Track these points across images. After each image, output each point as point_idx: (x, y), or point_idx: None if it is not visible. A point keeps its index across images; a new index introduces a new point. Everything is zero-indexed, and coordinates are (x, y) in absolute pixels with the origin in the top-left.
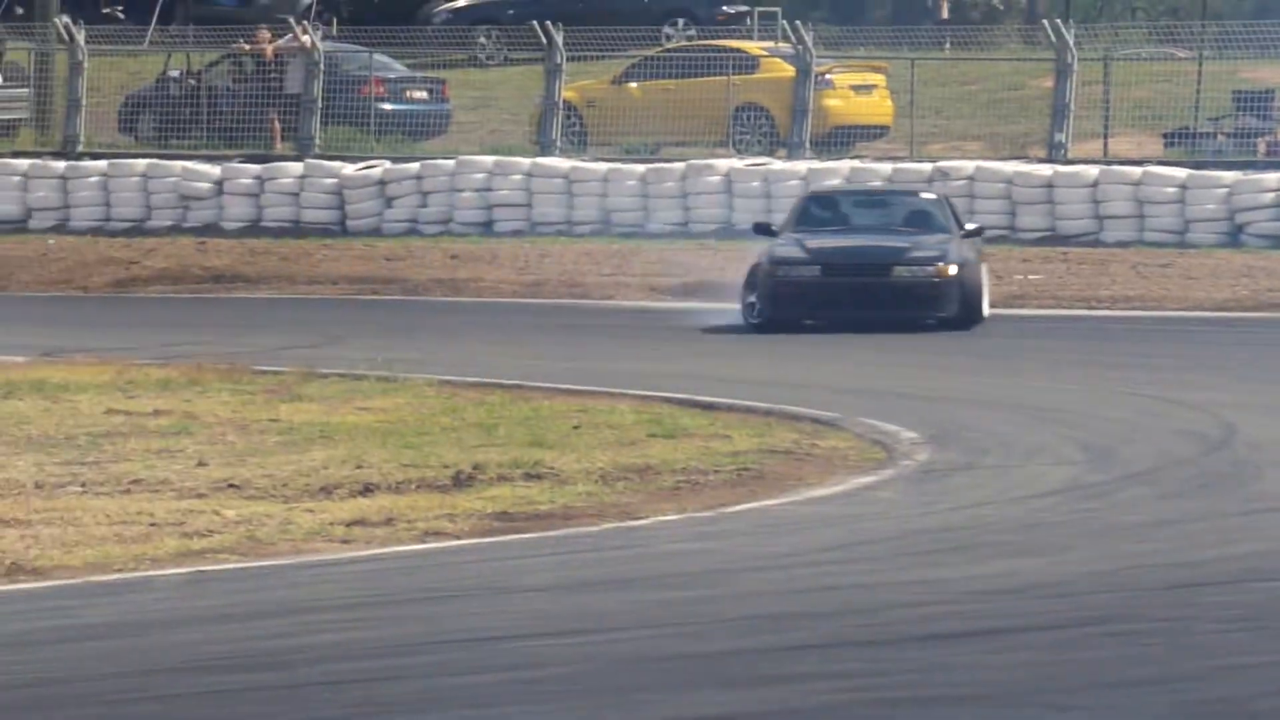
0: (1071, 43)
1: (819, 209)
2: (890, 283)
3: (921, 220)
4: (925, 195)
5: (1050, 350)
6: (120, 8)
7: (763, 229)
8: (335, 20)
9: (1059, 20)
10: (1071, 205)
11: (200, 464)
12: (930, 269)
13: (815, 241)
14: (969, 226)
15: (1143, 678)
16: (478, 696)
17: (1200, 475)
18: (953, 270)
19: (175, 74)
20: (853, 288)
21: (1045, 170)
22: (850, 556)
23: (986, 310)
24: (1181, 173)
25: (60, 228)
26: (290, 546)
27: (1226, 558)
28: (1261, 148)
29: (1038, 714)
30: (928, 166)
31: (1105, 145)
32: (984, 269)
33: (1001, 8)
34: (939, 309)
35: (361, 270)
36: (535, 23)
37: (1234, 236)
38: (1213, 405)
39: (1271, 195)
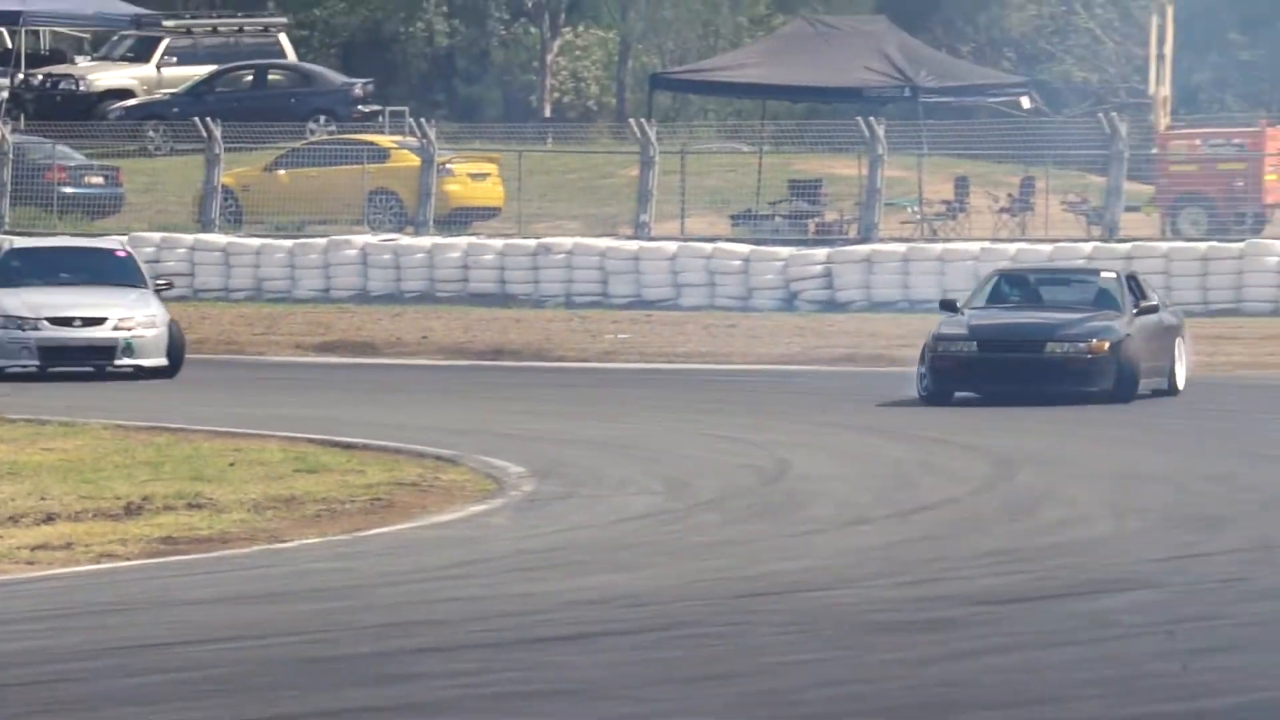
0: (654, 139)
1: (1006, 286)
2: (1043, 359)
3: (1097, 298)
4: (1105, 274)
5: (637, 398)
6: None
7: (948, 305)
8: (23, 115)
9: (643, 120)
10: (654, 275)
11: None
12: (1082, 345)
13: (980, 319)
14: (1144, 303)
15: (710, 674)
16: (145, 695)
17: (759, 503)
18: (1106, 346)
19: None
20: (1007, 363)
21: (632, 245)
22: (468, 573)
23: (1183, 382)
24: (745, 248)
25: None
26: None
27: (781, 572)
28: (811, 228)
29: (622, 705)
30: (533, 243)
31: (682, 225)
32: (1176, 342)
33: (595, 109)
34: (1091, 383)
35: None
36: (197, 119)
37: (789, 302)
38: (770, 444)
39: (819, 267)
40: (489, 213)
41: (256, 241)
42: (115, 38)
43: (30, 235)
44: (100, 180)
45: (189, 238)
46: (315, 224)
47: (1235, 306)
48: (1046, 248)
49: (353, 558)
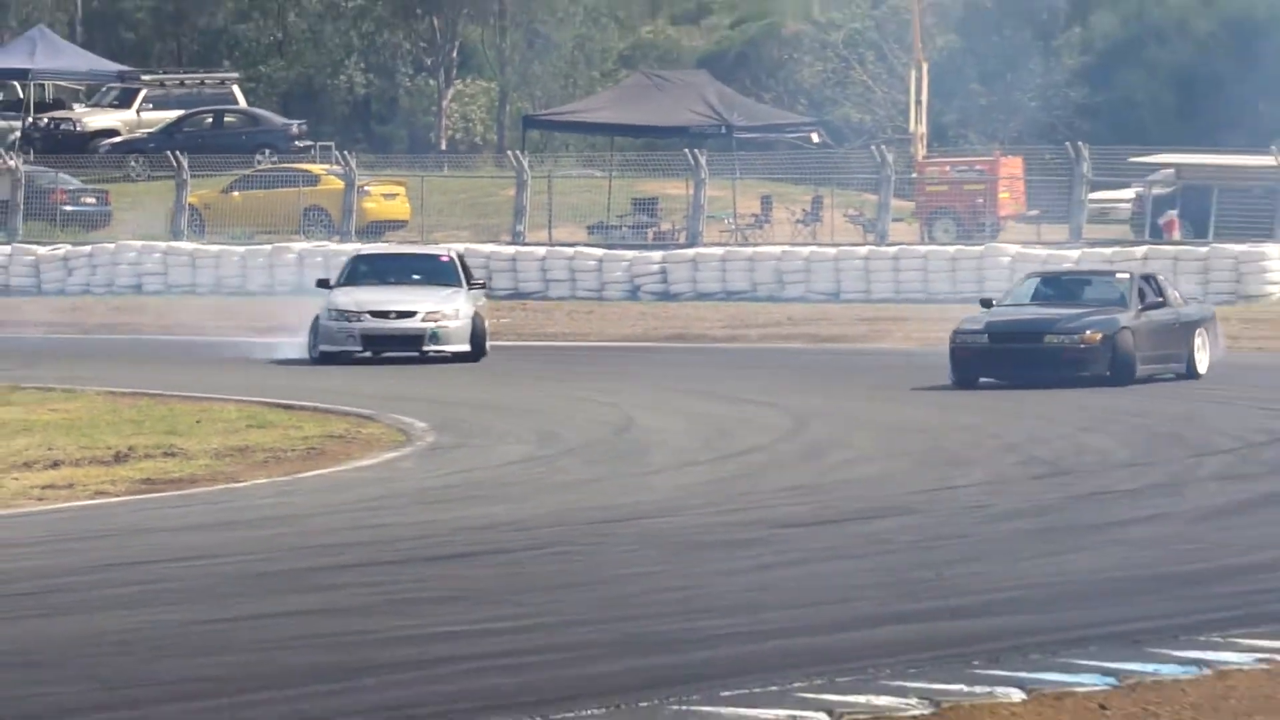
0: (526, 166)
1: (1034, 284)
2: (1042, 348)
3: (1110, 295)
4: (1119, 275)
5: (514, 369)
6: None
7: (985, 303)
8: (32, 150)
9: (518, 152)
10: (528, 273)
11: None
12: (1076, 337)
13: (997, 315)
14: (1152, 299)
15: (571, 583)
16: (126, 602)
17: (610, 450)
18: (1099, 337)
19: None
20: (1013, 353)
21: (510, 249)
22: (382, 505)
23: (1204, 367)
24: (599, 252)
25: None
26: (4, 504)
27: (627, 503)
28: (650, 235)
29: (502, 608)
30: (437, 248)
31: (550, 233)
32: (1197, 334)
33: (480, 143)
34: (1085, 370)
35: (53, 318)
36: (169, 152)
37: (633, 294)
38: (620, 405)
39: (656, 266)
40: (398, 224)
41: (216, 248)
42: (104, 89)
43: (39, 244)
44: (93, 200)
45: (163, 245)
46: (262, 234)
47: (976, 295)
48: (832, 250)
49: (292, 494)
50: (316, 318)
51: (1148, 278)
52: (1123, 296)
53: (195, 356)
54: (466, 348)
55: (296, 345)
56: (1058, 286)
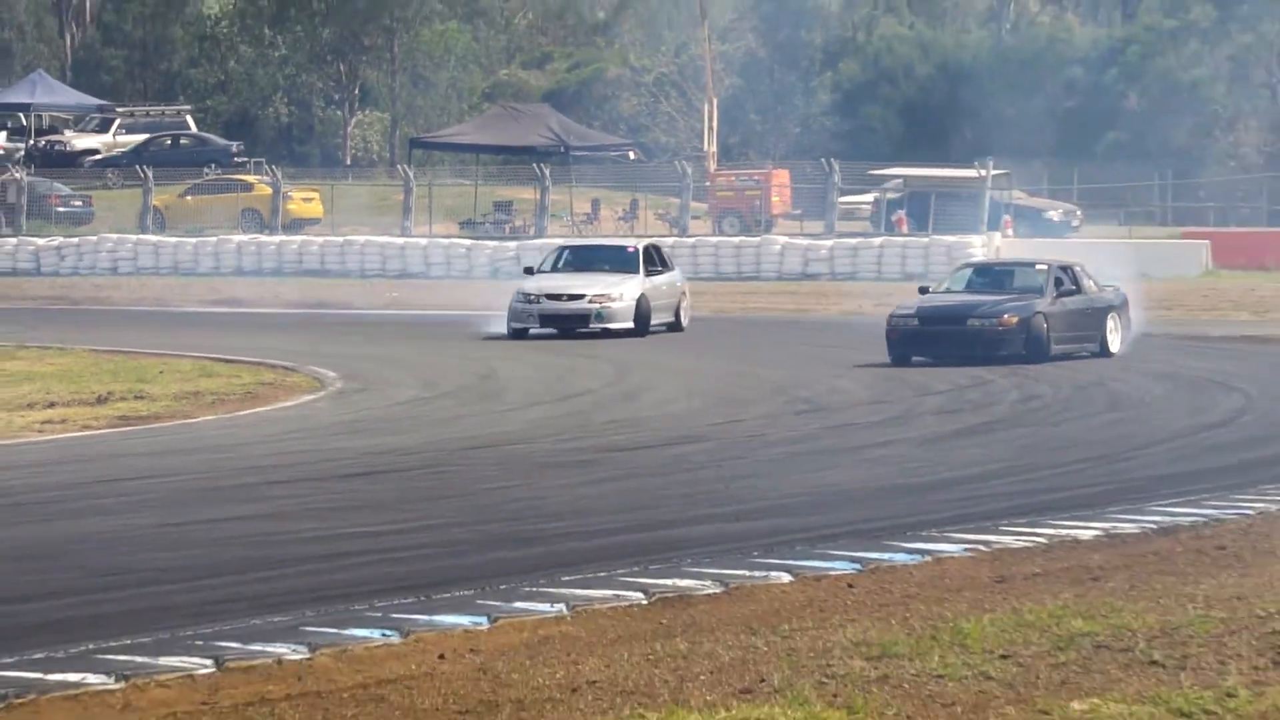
0: (412, 177)
1: (967, 274)
2: (965, 330)
3: (1030, 284)
4: (1038, 267)
5: (401, 332)
6: None
7: (923, 290)
8: (32, 165)
9: (405, 165)
10: (414, 258)
11: None
12: (994, 320)
13: (928, 300)
14: (1066, 287)
15: (446, 494)
16: (102, 510)
17: (477, 393)
18: (1015, 321)
19: None
20: (940, 334)
21: (400, 240)
22: (303, 436)
23: (1116, 347)
24: (468, 242)
25: None
26: (13, 434)
27: (490, 433)
28: (507, 230)
29: (395, 512)
30: (340, 239)
31: (430, 227)
32: (1110, 318)
33: (377, 159)
34: (1003, 349)
35: (49, 293)
36: (138, 166)
37: (494, 274)
38: (483, 359)
39: (511, 253)
40: (314, 221)
41: (174, 239)
42: (88, 118)
43: (39, 236)
44: (79, 203)
45: (134, 237)
46: (210, 229)
47: (755, 275)
48: (645, 240)
49: (233, 428)
50: (511, 299)
51: (1065, 268)
52: (1041, 285)
53: (164, 322)
54: (630, 325)
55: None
56: (987, 275)
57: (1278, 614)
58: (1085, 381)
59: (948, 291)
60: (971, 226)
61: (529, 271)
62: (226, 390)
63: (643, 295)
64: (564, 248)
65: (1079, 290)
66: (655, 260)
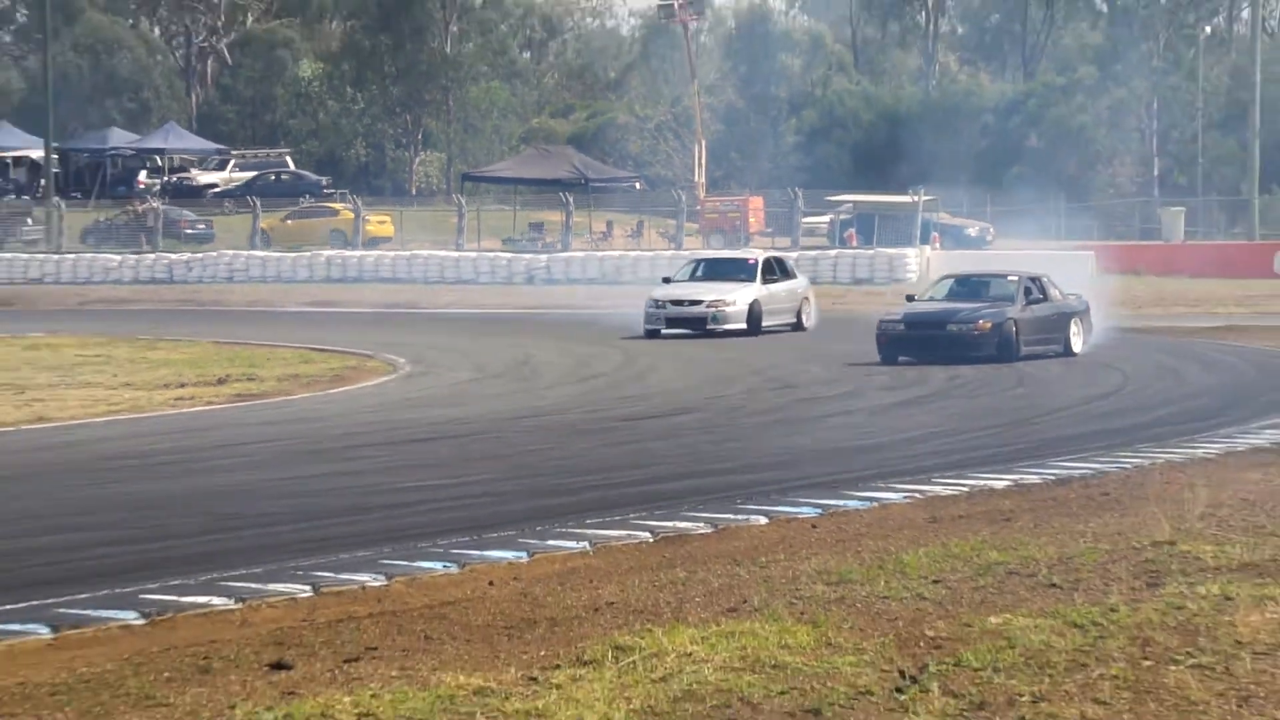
0: (464, 204)
1: (948, 284)
2: (945, 334)
3: (1002, 293)
4: (1010, 278)
5: (458, 327)
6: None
7: (909, 298)
8: (167, 196)
9: (460, 195)
10: (466, 268)
11: (114, 376)
12: (970, 325)
13: (914, 307)
14: (1034, 296)
15: (495, 455)
16: (226, 467)
17: (519, 374)
18: (989, 326)
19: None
20: (923, 338)
21: (455, 254)
22: (379, 409)
23: (1079, 348)
24: (509, 255)
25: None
26: (153, 408)
27: (532, 406)
28: (539, 245)
29: (453, 470)
30: (408, 253)
31: (479, 243)
32: (1073, 323)
33: (435, 190)
34: (978, 351)
35: (180, 298)
36: (248, 197)
37: (530, 280)
38: (522, 347)
39: (543, 263)
40: (387, 239)
41: (277, 254)
42: (209, 159)
43: (174, 253)
44: (203, 226)
45: (245, 253)
46: (305, 246)
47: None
48: (650, 253)
49: (325, 403)
50: (645, 304)
51: (1034, 279)
52: (1013, 294)
53: (273, 319)
54: (743, 326)
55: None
56: (965, 285)
57: (1149, 546)
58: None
59: (930, 300)
60: (907, 241)
61: (666, 281)
62: (319, 373)
63: (755, 300)
64: (698, 260)
65: (1046, 298)
66: (776, 270)
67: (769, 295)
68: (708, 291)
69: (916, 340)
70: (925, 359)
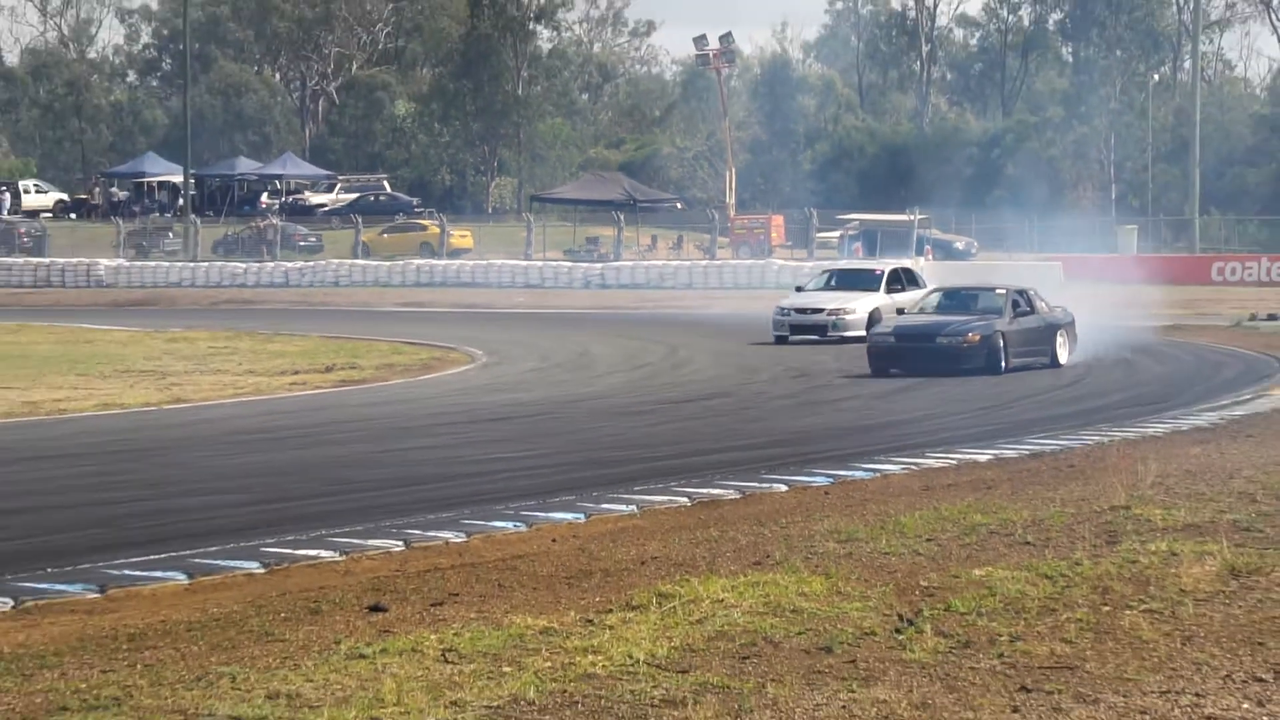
0: (532, 221)
1: (938, 297)
2: (934, 346)
3: (990, 306)
4: (998, 291)
5: (531, 324)
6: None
7: (900, 310)
8: (283, 214)
9: (529, 213)
10: (533, 275)
11: (239, 364)
12: (959, 338)
13: (904, 320)
14: (1021, 309)
15: (554, 433)
16: (335, 441)
17: (576, 365)
18: (978, 338)
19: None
20: (913, 350)
21: (524, 263)
22: (462, 393)
23: (1064, 359)
24: (570, 264)
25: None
26: (272, 391)
27: (586, 392)
28: (595, 256)
29: (518, 445)
30: (485, 262)
31: (544, 253)
32: (1059, 335)
33: (508, 209)
34: (967, 363)
35: (295, 299)
36: (352, 214)
37: (587, 285)
38: (580, 341)
39: (599, 271)
40: (467, 250)
41: (375, 263)
42: (319, 183)
43: (290, 264)
44: (314, 239)
45: (349, 262)
46: (398, 256)
47: (761, 285)
48: (688, 262)
49: (415, 388)
50: (773, 312)
51: (1021, 292)
52: (1001, 307)
53: (369, 316)
54: (862, 333)
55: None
56: (954, 299)
57: (1108, 510)
58: None
59: (920, 312)
60: (904, 253)
61: (798, 290)
62: (410, 363)
63: (876, 309)
64: (831, 270)
65: (1033, 311)
66: (902, 280)
67: (890, 304)
68: (830, 300)
69: (905, 353)
70: (915, 371)
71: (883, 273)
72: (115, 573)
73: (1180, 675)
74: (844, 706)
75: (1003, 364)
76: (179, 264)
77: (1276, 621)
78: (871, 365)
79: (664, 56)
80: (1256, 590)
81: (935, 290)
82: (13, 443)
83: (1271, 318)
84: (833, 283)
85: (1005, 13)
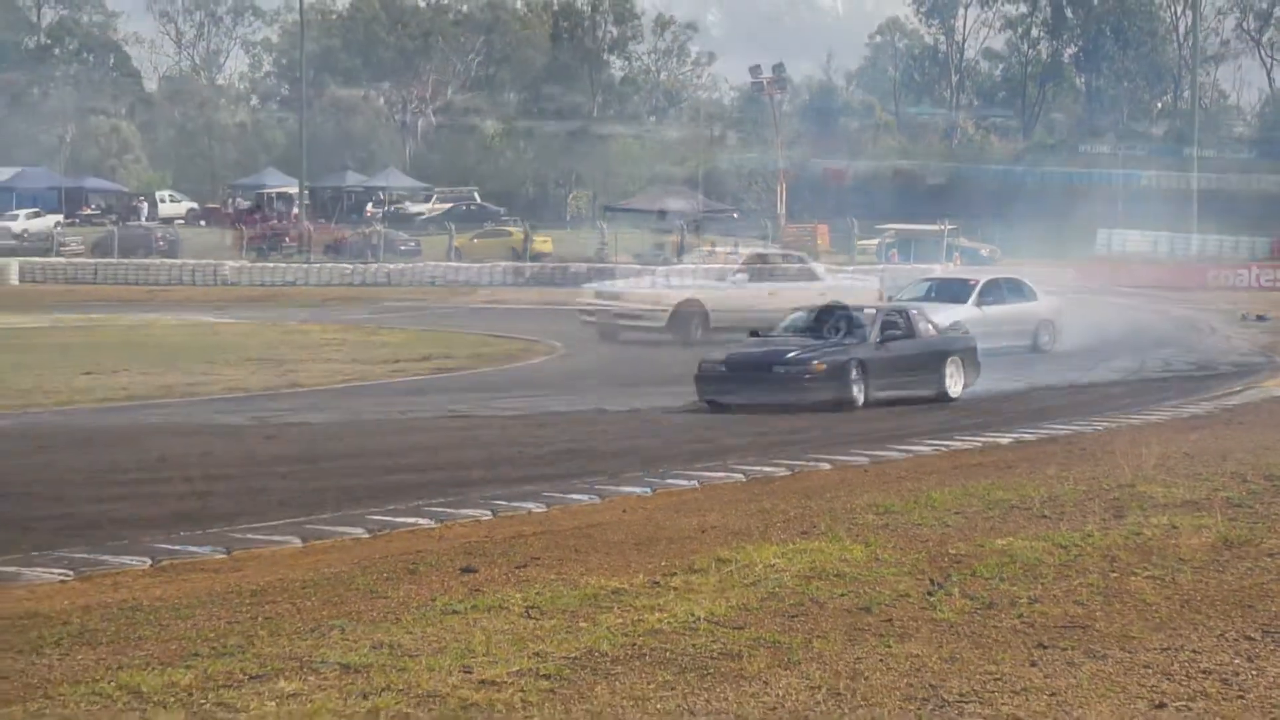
0: (605, 228)
1: (799, 316)
2: (771, 375)
3: (854, 329)
4: (867, 310)
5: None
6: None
7: (753, 333)
8: (386, 222)
9: (602, 222)
10: (606, 276)
11: (347, 354)
12: (800, 367)
13: (741, 347)
14: (893, 332)
15: (606, 426)
16: (426, 423)
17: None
18: (824, 367)
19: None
20: (747, 379)
21: (599, 265)
22: (540, 378)
23: (955, 391)
24: (639, 265)
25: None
26: (375, 379)
27: (661, 376)
28: (660, 259)
29: (580, 428)
30: (564, 265)
31: (616, 256)
32: (949, 363)
33: (584, 217)
34: (811, 395)
35: (397, 297)
36: (446, 222)
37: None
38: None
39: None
40: (548, 254)
41: (466, 264)
42: (418, 194)
43: (390, 264)
44: (413, 244)
45: (444, 264)
46: (487, 259)
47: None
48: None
49: (501, 374)
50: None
51: (899, 312)
52: (865, 330)
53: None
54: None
55: None
56: (816, 320)
57: (1116, 487)
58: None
59: (779, 334)
60: (935, 259)
61: (889, 299)
62: (497, 353)
63: (956, 323)
64: (930, 280)
65: (913, 335)
66: (1003, 292)
67: (979, 318)
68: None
69: (737, 382)
70: (751, 400)
71: (976, 283)
72: (239, 536)
73: (1179, 634)
74: (881, 660)
75: (858, 396)
76: (294, 265)
77: (1265, 587)
78: (700, 395)
79: (723, 83)
80: (1247, 559)
81: (797, 309)
82: (159, 423)
83: (1260, 319)
84: (931, 293)
85: (1026, 47)
